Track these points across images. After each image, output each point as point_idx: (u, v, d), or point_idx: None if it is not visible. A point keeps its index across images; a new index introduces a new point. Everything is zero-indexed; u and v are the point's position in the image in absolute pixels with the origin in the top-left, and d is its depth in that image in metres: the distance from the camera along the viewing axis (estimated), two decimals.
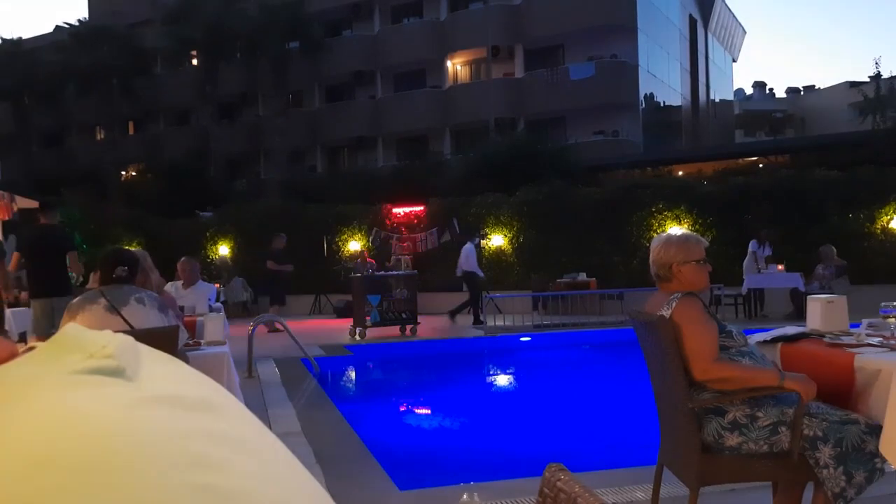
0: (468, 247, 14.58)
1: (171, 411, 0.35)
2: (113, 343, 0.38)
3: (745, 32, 45.45)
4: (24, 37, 37.67)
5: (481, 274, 14.81)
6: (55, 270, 7.52)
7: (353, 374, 10.88)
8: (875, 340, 3.33)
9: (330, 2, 33.31)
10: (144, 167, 32.80)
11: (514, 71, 31.39)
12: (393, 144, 33.31)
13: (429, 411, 8.24)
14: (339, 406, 6.86)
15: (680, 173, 23.88)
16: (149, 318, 3.78)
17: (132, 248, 7.06)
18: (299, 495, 0.38)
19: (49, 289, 7.33)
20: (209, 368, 4.22)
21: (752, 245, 14.06)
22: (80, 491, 0.29)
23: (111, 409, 0.34)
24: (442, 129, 31.96)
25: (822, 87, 50.80)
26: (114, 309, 3.75)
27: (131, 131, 38.71)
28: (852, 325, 3.77)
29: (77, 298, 3.92)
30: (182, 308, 5.80)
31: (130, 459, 0.31)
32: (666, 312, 3.06)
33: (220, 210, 21.27)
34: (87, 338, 0.38)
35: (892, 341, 3.27)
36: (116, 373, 0.36)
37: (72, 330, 0.39)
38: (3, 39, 36.08)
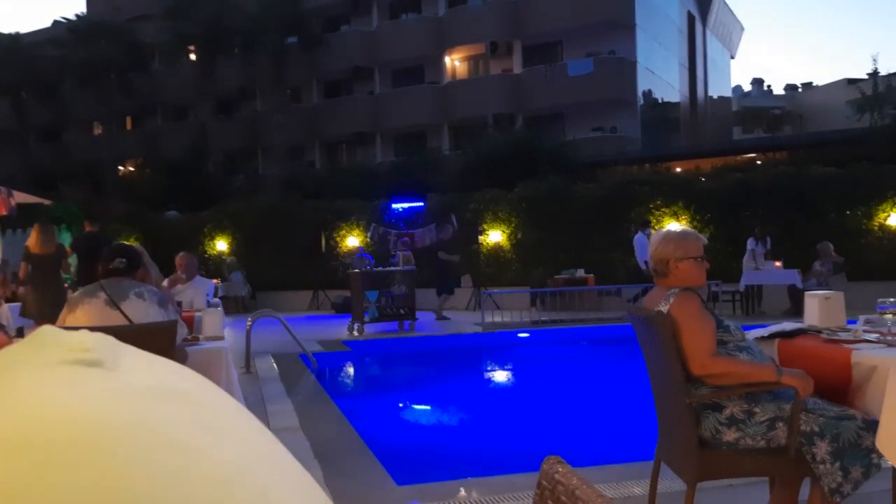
0: (640, 237, 14.36)
1: (148, 400, 0.36)
2: (91, 339, 0.39)
3: (743, 29, 45.46)
4: (22, 31, 37.60)
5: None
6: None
7: (351, 370, 10.89)
8: (872, 336, 3.35)
9: None
10: (142, 162, 32.79)
11: (513, 67, 31.37)
12: (391, 140, 33.29)
13: (427, 407, 8.25)
14: (337, 401, 6.87)
15: (678, 170, 23.88)
16: (148, 313, 3.77)
17: (129, 243, 7.12)
18: (286, 483, 0.38)
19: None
20: (207, 363, 4.22)
21: (749, 243, 14.07)
22: (55, 472, 0.30)
23: (88, 396, 0.34)
24: (440, 125, 31.95)
25: (820, 84, 50.82)
26: (113, 303, 3.75)
27: (129, 126, 38.66)
28: (849, 322, 3.78)
29: (77, 292, 3.92)
30: (180, 303, 5.80)
31: (105, 442, 0.31)
32: (664, 308, 3.07)
33: (219, 206, 21.25)
34: (65, 335, 0.39)
35: (889, 337, 3.28)
36: (94, 364, 0.37)
37: (49, 330, 0.39)
38: (1, 34, 36.01)
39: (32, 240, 9.24)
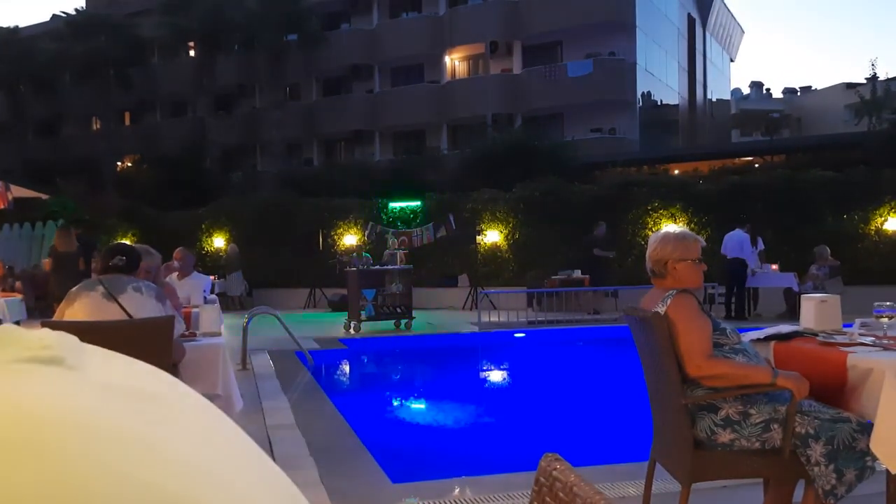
0: (738, 233, 13.55)
1: (106, 396, 0.35)
2: (51, 337, 0.38)
3: (743, 32, 45.51)
4: (21, 25, 37.57)
5: (751, 264, 13.61)
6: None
7: (347, 368, 10.90)
8: (868, 340, 3.36)
9: None
10: (140, 158, 32.73)
11: (512, 67, 31.39)
12: (390, 139, 33.29)
13: (423, 405, 8.26)
14: (333, 399, 6.87)
15: (676, 172, 23.91)
16: (145, 306, 3.79)
17: (130, 242, 7.13)
18: (258, 482, 0.38)
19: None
20: (205, 359, 4.23)
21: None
22: (10, 465, 0.29)
23: (40, 391, 0.34)
24: (439, 125, 31.94)
25: (818, 88, 50.89)
26: (111, 296, 3.77)
27: (127, 122, 38.59)
28: (845, 326, 3.80)
29: (76, 286, 3.94)
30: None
31: (53, 435, 0.31)
32: (661, 309, 3.08)
33: (216, 202, 21.22)
34: (24, 334, 0.38)
35: (885, 341, 3.29)
36: (54, 362, 0.36)
37: (9, 328, 0.39)
38: (0, 28, 35.96)
39: (57, 239, 11.31)
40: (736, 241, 13.51)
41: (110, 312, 3.73)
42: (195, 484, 0.33)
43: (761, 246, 14.08)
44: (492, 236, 18.16)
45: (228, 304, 17.20)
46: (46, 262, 11.35)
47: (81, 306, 3.77)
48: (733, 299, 13.75)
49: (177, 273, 7.26)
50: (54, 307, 10.65)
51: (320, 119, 33.41)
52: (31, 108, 35.99)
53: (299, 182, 24.68)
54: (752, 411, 2.96)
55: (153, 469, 0.32)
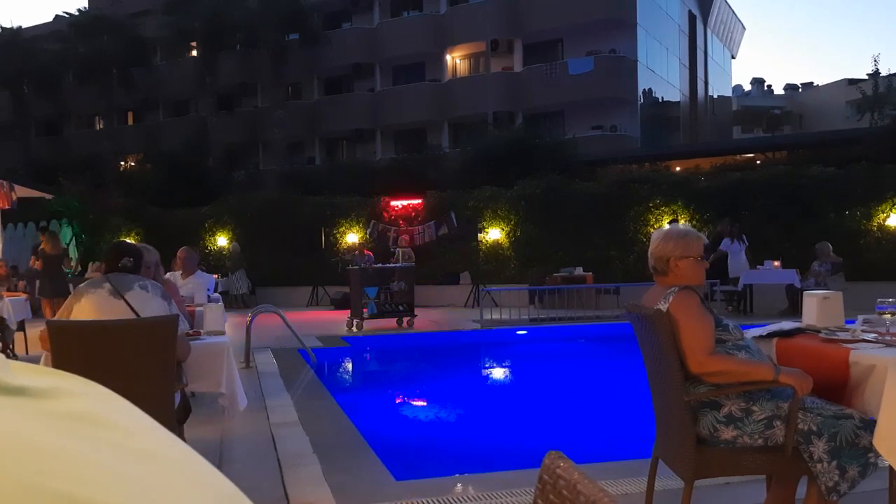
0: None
1: (24, 410, 0.35)
2: None
3: (744, 29, 45.44)
4: (24, 25, 37.62)
5: (735, 263, 13.80)
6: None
7: (349, 366, 10.91)
8: (870, 336, 3.36)
9: None
10: (143, 157, 32.75)
11: (513, 65, 31.38)
12: (391, 137, 33.30)
13: (425, 403, 8.27)
14: (336, 397, 6.88)
15: (677, 169, 23.84)
16: (151, 304, 3.83)
17: (134, 241, 7.17)
18: (188, 487, 0.37)
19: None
20: (209, 358, 4.25)
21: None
22: None
23: None
24: (440, 123, 31.94)
25: (820, 85, 50.81)
26: (117, 293, 3.82)
27: (130, 121, 38.65)
28: (848, 322, 3.80)
29: (83, 284, 3.99)
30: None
31: None
32: (663, 306, 3.08)
33: (219, 201, 21.22)
34: None
35: (887, 337, 3.30)
36: None
37: None
38: (3, 28, 35.95)
39: (45, 243, 12.34)
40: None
41: (117, 309, 3.76)
42: (113, 493, 0.32)
43: (746, 243, 14.02)
44: (493, 234, 18.17)
45: (231, 302, 17.22)
46: (37, 264, 12.61)
47: (88, 303, 3.81)
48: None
49: (180, 272, 7.28)
50: (44, 304, 11.61)
51: (322, 118, 33.44)
52: (35, 108, 36.04)
53: (301, 180, 24.67)
54: (755, 408, 2.96)
55: (66, 480, 0.31)
